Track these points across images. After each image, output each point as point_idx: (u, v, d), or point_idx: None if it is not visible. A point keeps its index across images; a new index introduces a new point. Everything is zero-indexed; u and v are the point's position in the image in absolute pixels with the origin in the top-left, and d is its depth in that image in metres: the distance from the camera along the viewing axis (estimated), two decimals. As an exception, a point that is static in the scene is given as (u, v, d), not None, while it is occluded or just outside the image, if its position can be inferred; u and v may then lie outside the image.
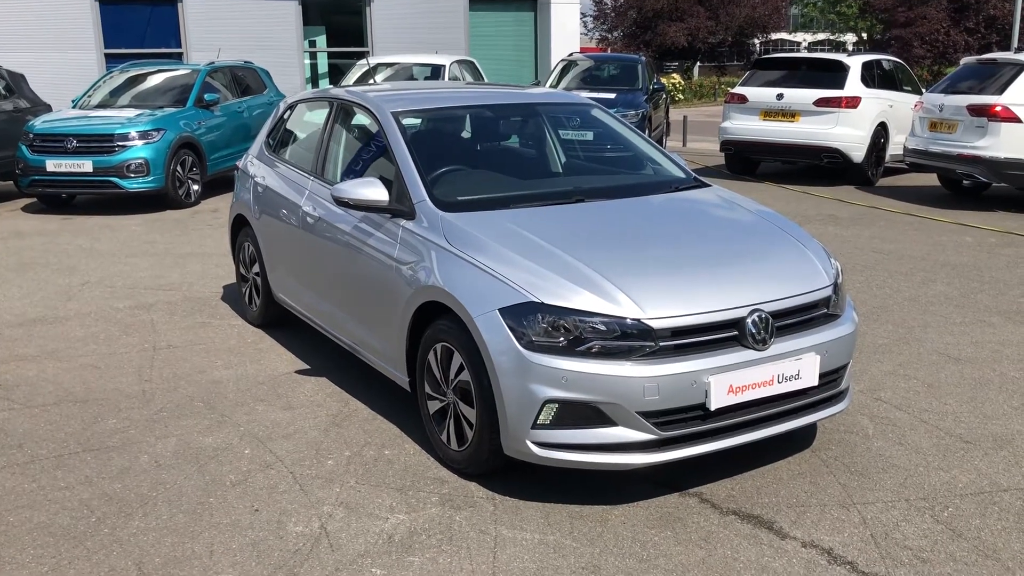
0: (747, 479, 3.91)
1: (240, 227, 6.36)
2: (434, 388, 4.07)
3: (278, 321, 6.11)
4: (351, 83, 13.75)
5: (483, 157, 5.20)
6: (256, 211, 5.98)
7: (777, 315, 3.73)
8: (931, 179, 12.41)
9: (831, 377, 3.93)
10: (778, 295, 3.77)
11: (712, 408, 3.53)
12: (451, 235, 4.05)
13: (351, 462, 4.11)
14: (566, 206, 4.40)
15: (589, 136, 5.78)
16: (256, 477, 3.98)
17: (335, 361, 5.42)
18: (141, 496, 3.81)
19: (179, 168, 11.16)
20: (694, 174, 5.06)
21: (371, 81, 8.91)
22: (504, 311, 3.58)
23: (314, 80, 21.27)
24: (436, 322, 3.99)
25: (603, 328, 3.48)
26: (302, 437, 4.40)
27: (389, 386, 4.73)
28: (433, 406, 4.10)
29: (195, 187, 11.47)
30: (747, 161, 13.63)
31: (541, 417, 3.52)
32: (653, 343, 3.49)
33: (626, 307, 3.51)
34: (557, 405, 3.50)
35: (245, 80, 13.44)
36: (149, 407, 4.80)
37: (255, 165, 6.22)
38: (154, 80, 12.55)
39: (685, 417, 3.55)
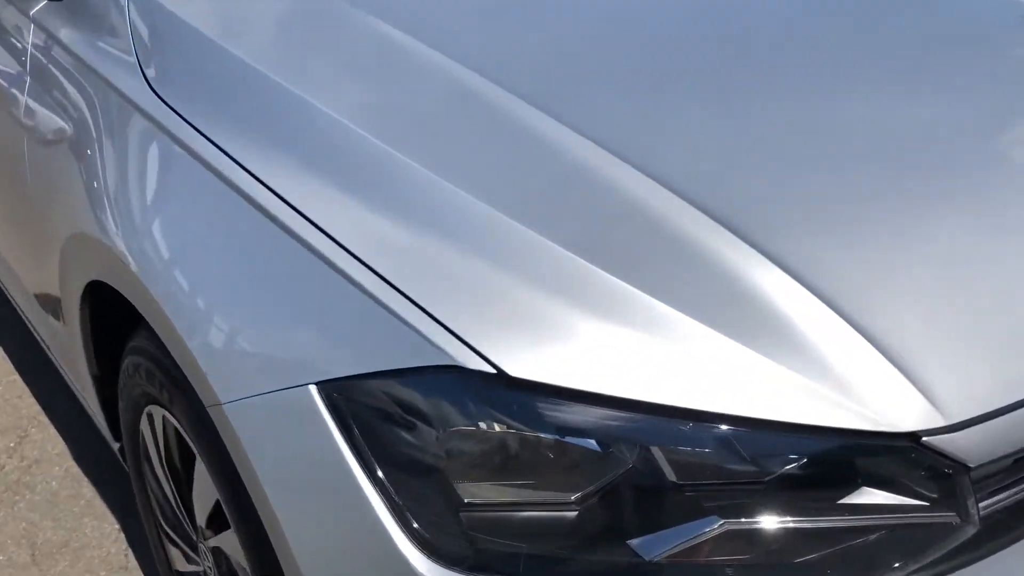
0: None
1: None
2: (166, 510, 1.40)
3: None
4: None
5: None
6: None
7: None
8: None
9: None
10: None
11: None
12: (163, 58, 1.25)
13: None
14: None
15: None
16: None
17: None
18: None
19: None
20: None
21: None
22: (328, 388, 0.90)
23: None
24: (138, 337, 1.25)
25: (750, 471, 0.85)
26: None
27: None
28: (175, 556, 1.43)
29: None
30: None
31: None
32: (966, 517, 0.85)
33: (870, 399, 0.85)
34: None
35: None
36: None
37: None
38: None
39: None
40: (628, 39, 1.27)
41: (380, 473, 0.87)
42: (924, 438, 0.83)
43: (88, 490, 1.95)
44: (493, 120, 1.09)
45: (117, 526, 1.85)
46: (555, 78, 1.16)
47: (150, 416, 1.31)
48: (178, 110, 1.17)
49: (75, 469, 2.00)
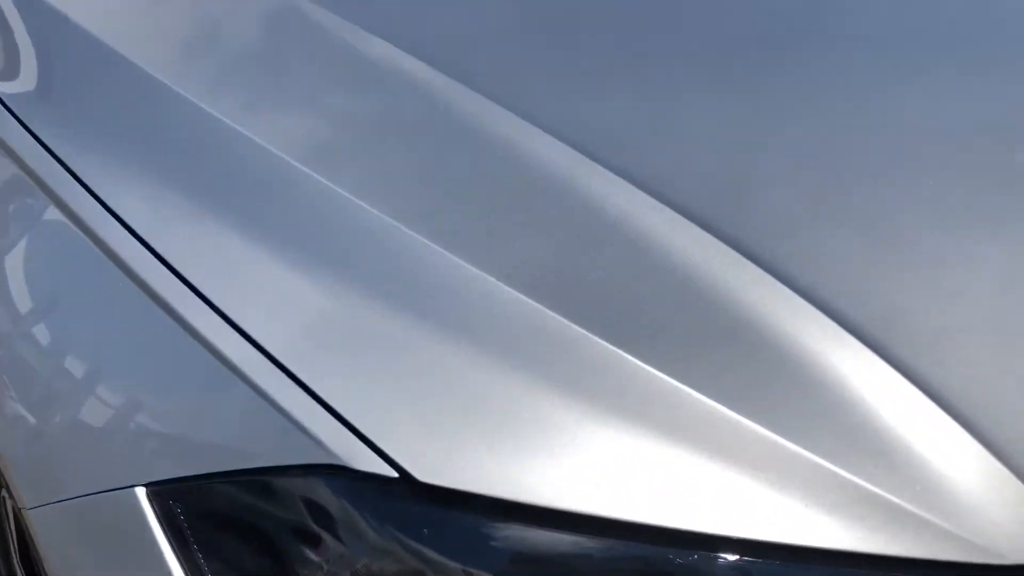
0: None
1: None
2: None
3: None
4: None
5: None
6: None
7: None
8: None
9: None
10: None
11: None
12: (16, 51, 0.99)
13: None
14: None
15: None
16: None
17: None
18: None
19: None
20: None
21: None
22: (161, 492, 0.62)
23: None
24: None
25: None
26: None
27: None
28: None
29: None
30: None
31: None
32: None
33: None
34: None
35: None
36: None
37: None
38: None
39: None
40: (610, 14, 0.98)
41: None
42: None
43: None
44: (432, 114, 0.81)
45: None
46: (514, 61, 0.88)
47: (3, 501, 1.03)
48: (26, 123, 0.89)
49: None
